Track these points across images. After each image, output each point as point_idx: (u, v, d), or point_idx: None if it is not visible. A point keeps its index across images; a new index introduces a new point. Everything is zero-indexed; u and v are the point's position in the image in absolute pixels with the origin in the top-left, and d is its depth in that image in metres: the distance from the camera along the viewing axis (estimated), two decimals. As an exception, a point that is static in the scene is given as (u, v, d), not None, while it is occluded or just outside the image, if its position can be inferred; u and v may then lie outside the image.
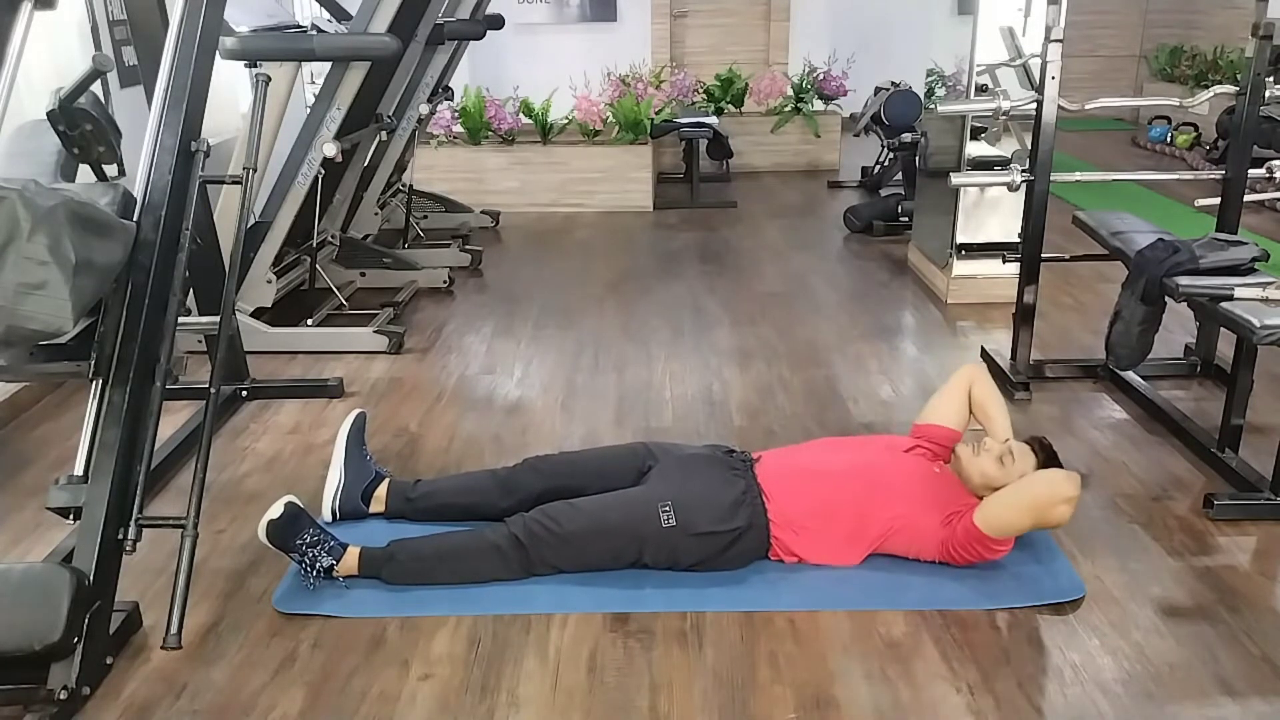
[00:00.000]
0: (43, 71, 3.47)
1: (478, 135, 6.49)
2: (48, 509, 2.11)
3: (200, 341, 3.62)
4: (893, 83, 6.35)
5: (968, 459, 2.44)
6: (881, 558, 2.41)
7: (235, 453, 3.12)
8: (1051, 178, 3.34)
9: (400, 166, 5.74)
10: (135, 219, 2.22)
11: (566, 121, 6.58)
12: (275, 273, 4.11)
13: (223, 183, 2.61)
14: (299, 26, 4.10)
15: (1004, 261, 3.76)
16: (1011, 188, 3.40)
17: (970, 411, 2.64)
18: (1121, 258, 3.12)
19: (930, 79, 6.62)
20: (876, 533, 2.38)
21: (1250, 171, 3.29)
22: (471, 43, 5.72)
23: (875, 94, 6.40)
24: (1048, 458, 2.44)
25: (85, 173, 2.51)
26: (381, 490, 2.66)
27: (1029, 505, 2.26)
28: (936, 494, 2.39)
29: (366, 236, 5.22)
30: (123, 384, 2.13)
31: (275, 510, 2.30)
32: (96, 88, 2.56)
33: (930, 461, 2.51)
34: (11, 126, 2.47)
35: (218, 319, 2.43)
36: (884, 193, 6.39)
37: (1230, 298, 2.61)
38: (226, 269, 2.92)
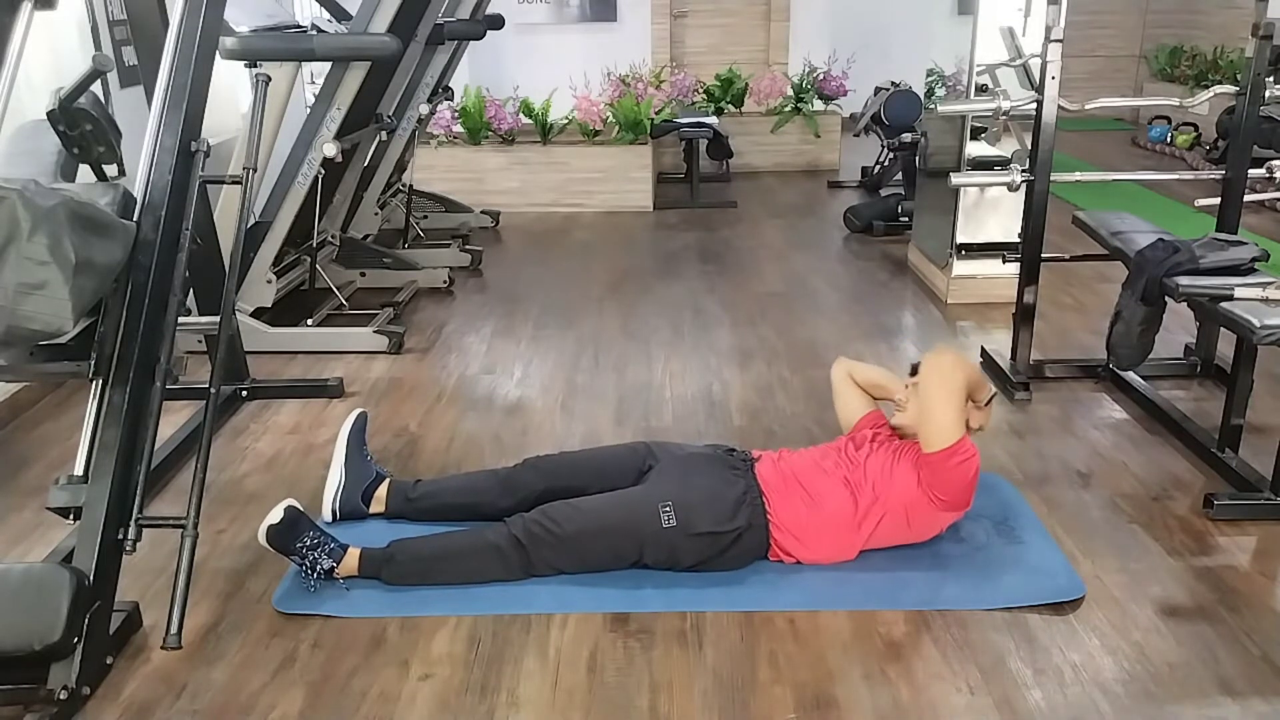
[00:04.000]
0: (43, 71, 3.47)
1: (478, 135, 6.49)
2: (48, 509, 2.11)
3: (200, 341, 3.63)
4: (893, 83, 6.35)
5: (904, 417, 2.52)
6: (881, 557, 2.41)
7: (235, 453, 3.12)
8: (1051, 178, 3.34)
9: (400, 166, 5.74)
10: (135, 219, 2.22)
11: (566, 121, 6.58)
12: (275, 273, 4.11)
13: (223, 183, 2.61)
14: (299, 26, 4.10)
15: (1004, 261, 3.76)
16: (1011, 188, 3.40)
17: (866, 392, 2.74)
18: (1121, 258, 3.12)
19: (930, 79, 6.63)
20: (869, 523, 2.38)
21: (1250, 171, 3.29)
22: (471, 43, 5.72)
23: (875, 94, 6.40)
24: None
25: (85, 173, 2.51)
26: (382, 490, 2.66)
27: (935, 394, 2.33)
28: (906, 465, 2.39)
29: (366, 236, 5.22)
30: (123, 384, 2.13)
31: (275, 515, 2.30)
32: (96, 88, 2.57)
33: (889, 441, 2.52)
34: (11, 126, 2.47)
35: (218, 319, 2.43)
36: (884, 193, 6.39)
37: (1230, 298, 2.61)
38: (226, 269, 2.92)
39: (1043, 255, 3.46)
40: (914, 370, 2.56)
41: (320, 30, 3.98)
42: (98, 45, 3.94)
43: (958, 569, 2.38)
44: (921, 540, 2.44)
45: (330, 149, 3.84)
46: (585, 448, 2.95)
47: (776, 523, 2.38)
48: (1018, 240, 3.57)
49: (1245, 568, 2.43)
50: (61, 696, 1.92)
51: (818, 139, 7.64)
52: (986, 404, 2.47)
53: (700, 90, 7.74)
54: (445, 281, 4.82)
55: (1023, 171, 3.37)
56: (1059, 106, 3.28)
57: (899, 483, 2.38)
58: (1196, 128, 7.99)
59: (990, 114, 3.78)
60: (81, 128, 2.34)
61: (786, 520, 2.38)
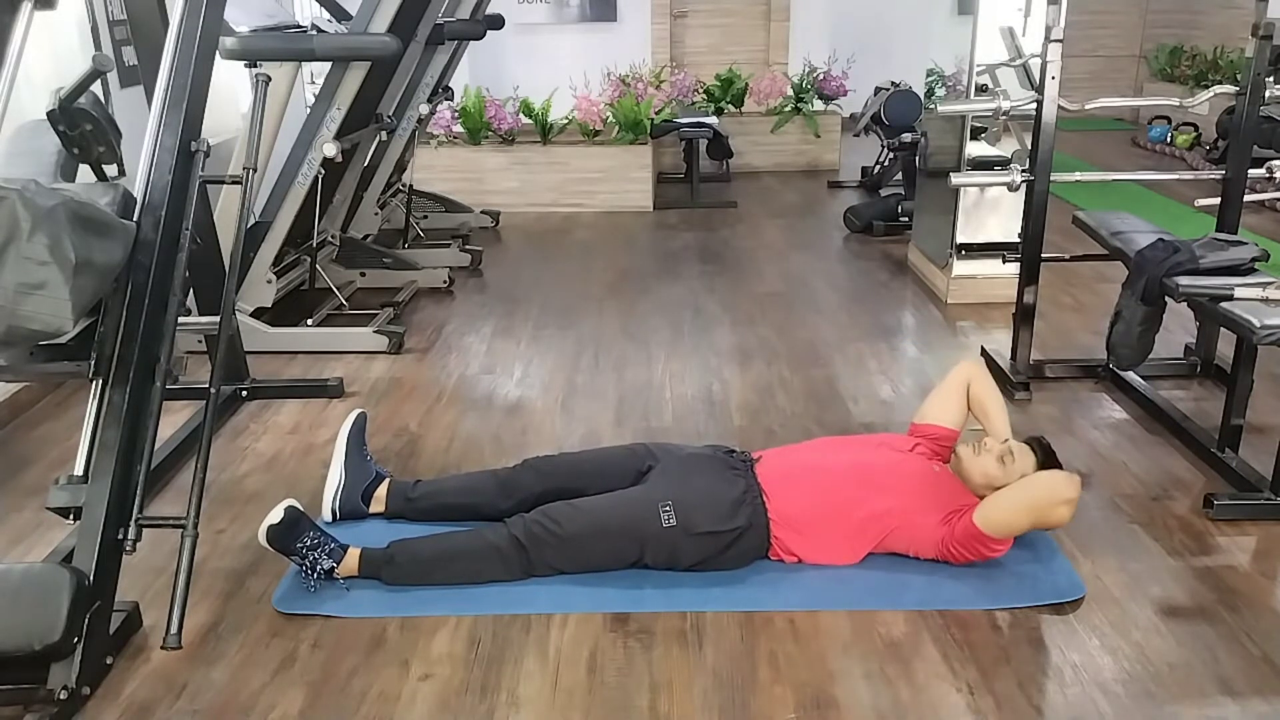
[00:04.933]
0: (43, 71, 3.47)
1: (478, 135, 6.49)
2: (48, 509, 2.11)
3: (200, 341, 3.62)
4: (893, 83, 6.35)
5: (969, 458, 2.45)
6: (881, 557, 2.41)
7: (235, 453, 3.12)
8: (1051, 178, 3.34)
9: (400, 166, 5.74)
10: (135, 219, 2.22)
11: (566, 121, 6.58)
12: (275, 273, 4.11)
13: (223, 183, 2.61)
14: (299, 26, 4.10)
15: (1004, 261, 3.76)
16: (1011, 188, 3.40)
17: (969, 409, 2.64)
18: (1121, 258, 3.12)
19: (930, 79, 6.63)
20: (875, 531, 2.38)
21: (1250, 171, 3.29)
22: (471, 43, 5.72)
23: (875, 94, 6.40)
24: (1046, 457, 2.46)
25: (85, 173, 2.51)
26: (381, 490, 2.65)
27: (1029, 505, 2.27)
28: (935, 493, 2.39)
29: (366, 236, 5.22)
30: (123, 384, 2.13)
31: (275, 515, 2.30)
32: (96, 88, 2.56)
33: (929, 460, 2.51)
34: (11, 126, 2.47)
35: (218, 319, 2.43)
36: (884, 193, 6.39)
37: (1230, 298, 2.61)
38: (226, 269, 2.92)
39: (1043, 255, 3.46)
40: (1033, 445, 2.46)
41: (320, 30, 3.98)
42: (98, 45, 3.94)
43: (958, 569, 2.38)
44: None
45: (330, 149, 3.84)
46: (585, 448, 2.95)
47: (777, 520, 2.38)
48: (1018, 240, 3.56)
49: (1245, 568, 2.43)
50: (61, 696, 1.92)
51: (818, 139, 7.64)
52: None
53: (700, 90, 7.74)
54: (445, 281, 4.82)
55: (1023, 171, 3.37)
56: (1059, 106, 3.28)
57: (921, 509, 2.36)
58: (1196, 128, 7.99)
59: (990, 114, 3.78)
60: (81, 128, 2.34)
61: (789, 514, 2.38)
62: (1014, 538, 2.35)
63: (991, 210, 4.45)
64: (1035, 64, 3.43)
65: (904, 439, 2.62)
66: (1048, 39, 3.21)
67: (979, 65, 4.23)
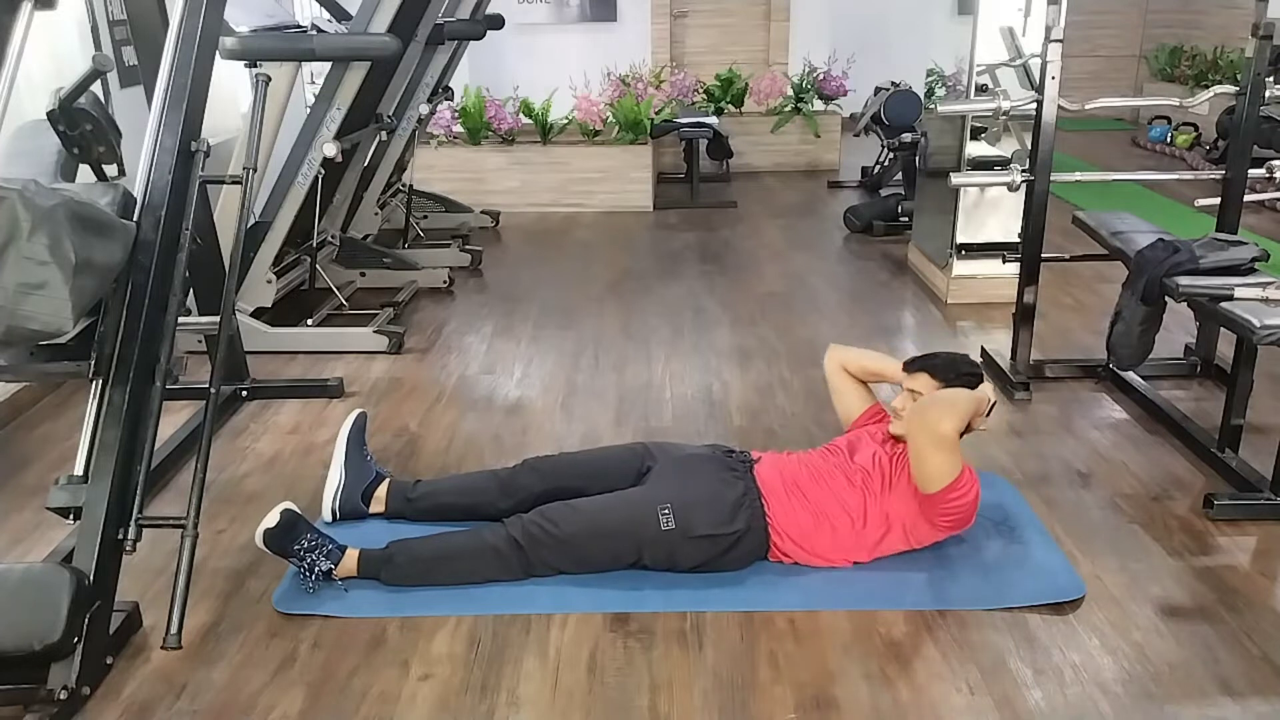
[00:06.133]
0: (43, 71, 3.47)
1: (478, 135, 6.49)
2: (48, 509, 2.11)
3: (200, 341, 3.63)
4: (893, 83, 6.35)
5: (901, 431, 2.43)
6: (881, 557, 2.41)
7: (235, 453, 3.12)
8: (1051, 178, 3.34)
9: (400, 166, 5.74)
10: (135, 219, 2.22)
11: (566, 121, 6.58)
12: (275, 273, 4.11)
13: (223, 183, 2.61)
14: (299, 26, 4.10)
15: (1004, 261, 3.76)
16: (1011, 188, 3.40)
17: (864, 381, 2.73)
18: (1121, 258, 3.12)
19: (930, 79, 6.64)
20: (871, 540, 2.38)
21: (1250, 171, 3.29)
22: (471, 43, 5.72)
23: (875, 94, 6.40)
24: (922, 365, 2.51)
25: (85, 173, 2.51)
26: (381, 490, 2.65)
27: (923, 447, 2.25)
28: (907, 481, 2.35)
29: (366, 236, 5.22)
30: (123, 384, 2.13)
31: (272, 518, 2.30)
32: (96, 88, 2.57)
33: (889, 443, 2.49)
34: (11, 126, 2.47)
35: (218, 319, 2.43)
36: (884, 193, 6.39)
37: (1230, 298, 2.61)
38: (226, 269, 2.93)
39: (1043, 255, 3.46)
40: (908, 366, 2.54)
41: (320, 30, 3.98)
42: (98, 45, 3.93)
43: (958, 569, 2.38)
44: (921, 548, 2.43)
45: (330, 149, 3.84)
46: (584, 448, 2.95)
47: (776, 527, 2.37)
48: (1018, 240, 3.57)
49: (1245, 568, 2.43)
50: (61, 696, 1.92)
51: (818, 139, 7.64)
52: (987, 414, 2.44)
53: (700, 90, 7.73)
54: (445, 281, 4.82)
55: (1023, 171, 3.37)
56: (1059, 106, 3.27)
57: (899, 502, 2.36)
58: (1196, 128, 7.99)
59: (990, 114, 3.78)
60: (81, 128, 2.34)
61: (787, 526, 2.38)
62: (970, 477, 2.29)
63: (991, 210, 4.45)
64: (1035, 64, 3.43)
65: (862, 435, 2.57)
66: (1048, 39, 3.21)
67: (979, 65, 4.23)
